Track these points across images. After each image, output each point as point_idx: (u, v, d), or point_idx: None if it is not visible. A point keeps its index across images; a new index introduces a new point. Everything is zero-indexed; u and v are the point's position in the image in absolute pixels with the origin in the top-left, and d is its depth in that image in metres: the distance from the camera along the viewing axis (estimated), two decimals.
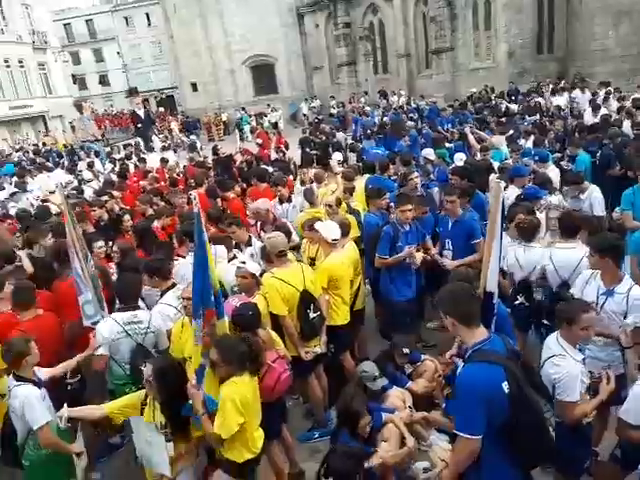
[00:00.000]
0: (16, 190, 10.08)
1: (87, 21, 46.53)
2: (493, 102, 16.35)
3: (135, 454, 3.42)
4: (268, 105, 28.59)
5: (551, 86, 17.97)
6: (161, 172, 12.25)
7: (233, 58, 30.81)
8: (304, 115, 27.17)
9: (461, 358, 3.86)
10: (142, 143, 19.79)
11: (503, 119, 13.13)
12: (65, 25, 45.73)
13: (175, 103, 46.78)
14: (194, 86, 33.00)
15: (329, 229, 4.64)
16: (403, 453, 3.69)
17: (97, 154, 16.58)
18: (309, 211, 6.46)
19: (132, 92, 29.01)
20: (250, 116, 27.42)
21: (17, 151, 22.41)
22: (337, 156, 9.15)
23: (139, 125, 24.95)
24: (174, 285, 4.37)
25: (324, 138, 15.16)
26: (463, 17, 23.56)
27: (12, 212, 8.25)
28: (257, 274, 4.28)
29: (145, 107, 29.41)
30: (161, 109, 38.09)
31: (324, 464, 3.68)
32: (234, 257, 5.02)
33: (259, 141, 15.93)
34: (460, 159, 8.41)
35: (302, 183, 8.37)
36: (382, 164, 7.72)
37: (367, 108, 21.40)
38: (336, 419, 4.09)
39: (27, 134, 31.24)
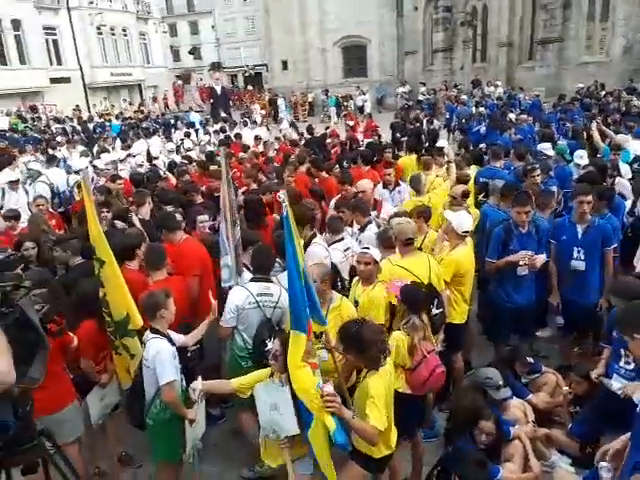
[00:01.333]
0: (128, 153, 10.45)
1: None
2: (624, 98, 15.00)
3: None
4: (357, 87, 28.15)
5: None
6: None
7: (325, 38, 30.54)
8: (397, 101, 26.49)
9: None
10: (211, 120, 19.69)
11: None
12: None
13: (262, 80, 47.38)
14: (284, 64, 33.09)
15: (462, 220, 4.31)
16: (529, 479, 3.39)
17: (192, 125, 16.97)
18: (414, 199, 6.17)
19: (214, 66, 29.42)
20: (338, 98, 27.17)
21: (119, 117, 23.46)
22: (443, 143, 8.73)
23: (212, 101, 25.35)
24: None
25: (417, 125, 14.69)
26: (578, 6, 21.87)
27: (122, 174, 8.53)
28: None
29: (221, 84, 29.96)
30: (249, 87, 38.77)
31: (438, 467, 3.47)
32: (341, 239, 4.85)
33: (350, 123, 15.70)
34: (580, 156, 7.75)
35: None
36: (495, 153, 7.25)
37: (464, 97, 20.48)
38: (450, 421, 3.86)
39: (131, 99, 32.72)
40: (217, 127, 15.00)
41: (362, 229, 5.07)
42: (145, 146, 12.29)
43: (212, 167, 7.75)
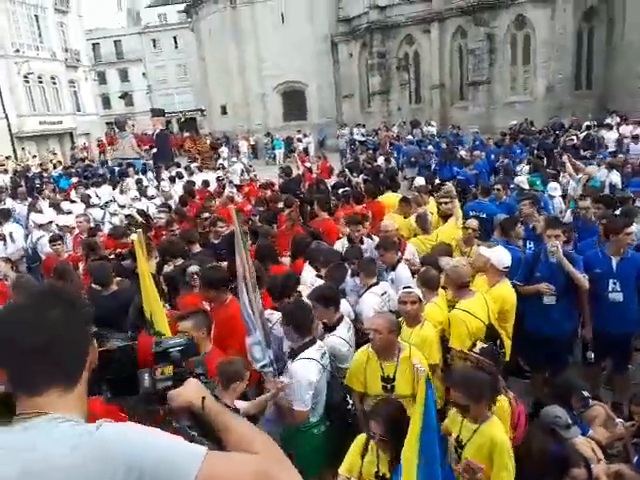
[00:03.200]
0: (109, 200, 9.82)
1: (115, 42, 47.30)
2: (581, 133, 16.09)
3: None
4: (298, 131, 28.59)
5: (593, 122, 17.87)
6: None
7: (264, 83, 30.99)
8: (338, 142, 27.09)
9: None
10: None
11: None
12: (94, 45, 46.41)
13: (197, 126, 47.21)
14: (223, 109, 33.17)
15: (501, 255, 4.27)
16: None
17: (143, 171, 16.35)
18: (421, 238, 6.13)
19: (156, 112, 28.86)
20: (282, 141, 27.42)
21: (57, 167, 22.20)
22: (420, 180, 8.88)
23: (154, 150, 24.71)
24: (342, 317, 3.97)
25: (375, 164, 14.96)
26: (502, 51, 23.72)
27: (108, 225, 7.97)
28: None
29: (163, 129, 29.48)
30: (186, 133, 38.39)
31: None
32: (376, 283, 4.66)
33: (308, 165, 15.74)
34: (555, 188, 8.14)
35: None
36: (484, 188, 7.44)
37: (409, 136, 21.30)
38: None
39: (54, 149, 31.25)
40: (172, 173, 14.50)
41: (393, 268, 4.93)
42: (109, 194, 11.64)
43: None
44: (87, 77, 36.29)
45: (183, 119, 47.22)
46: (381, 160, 15.29)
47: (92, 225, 7.86)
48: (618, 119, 17.74)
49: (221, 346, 3.61)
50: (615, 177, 9.37)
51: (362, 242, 5.77)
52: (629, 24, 20.53)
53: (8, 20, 28.08)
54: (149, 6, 47.76)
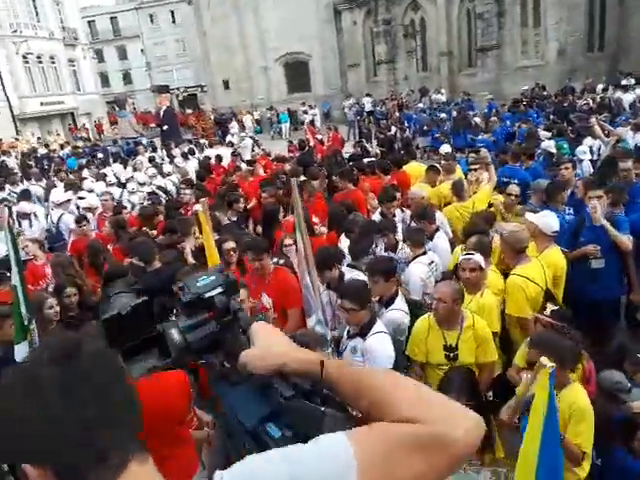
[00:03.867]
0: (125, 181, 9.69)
1: (111, 18, 46.34)
2: (598, 96, 15.76)
3: None
4: (303, 103, 28.17)
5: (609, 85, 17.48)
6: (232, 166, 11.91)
7: (267, 55, 30.41)
8: (345, 113, 26.68)
9: None
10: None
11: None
12: (90, 22, 45.46)
13: (198, 102, 46.53)
14: (226, 83, 32.63)
15: (549, 220, 4.15)
16: None
17: (153, 149, 16.14)
18: (456, 205, 6.00)
19: (160, 89, 28.34)
20: (290, 113, 27.05)
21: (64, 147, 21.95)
22: (446, 148, 8.69)
23: (164, 127, 24.38)
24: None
25: (389, 133, 14.74)
26: (511, 13, 23.07)
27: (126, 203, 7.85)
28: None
29: (169, 106, 29.06)
30: (188, 109, 37.83)
31: None
32: (424, 253, 4.55)
33: (319, 137, 15.51)
34: (584, 152, 7.96)
35: None
36: (515, 153, 7.26)
37: (420, 104, 20.93)
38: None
39: (56, 130, 30.95)
40: (185, 149, 14.29)
41: (430, 238, 4.82)
42: (123, 173, 11.51)
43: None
44: (86, 55, 35.74)
45: (181, 97, 46.44)
46: (394, 130, 15.00)
47: (115, 204, 7.74)
48: (633, 81, 17.30)
49: (280, 312, 3.61)
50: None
51: (393, 215, 5.62)
52: None
53: (4, 0, 27.46)
54: None
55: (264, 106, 30.26)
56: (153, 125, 27.26)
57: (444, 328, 3.39)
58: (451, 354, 3.35)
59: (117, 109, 27.82)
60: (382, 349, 3.15)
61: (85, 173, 11.83)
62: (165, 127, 24.86)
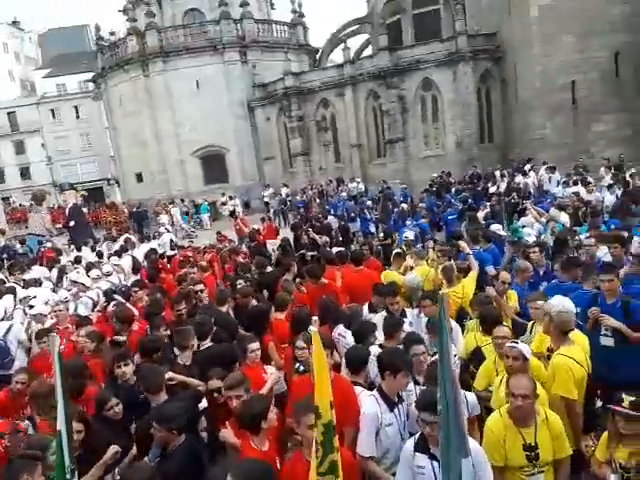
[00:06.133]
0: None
1: (9, 113, 44.55)
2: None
3: None
4: (223, 194, 28.38)
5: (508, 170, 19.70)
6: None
7: (182, 149, 30.59)
8: (265, 203, 27.21)
9: None
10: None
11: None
12: None
13: (104, 195, 45.11)
14: (139, 177, 32.09)
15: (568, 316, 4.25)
16: None
17: (78, 249, 15.09)
18: (448, 291, 6.20)
19: (67, 187, 27.28)
20: (209, 204, 26.99)
21: None
22: (410, 235, 9.10)
23: (71, 223, 23.22)
24: None
25: (325, 222, 15.14)
26: (413, 110, 25.67)
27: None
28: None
29: (75, 203, 27.90)
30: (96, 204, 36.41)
31: None
32: None
33: (255, 227, 15.47)
34: (529, 234, 8.73)
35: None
36: (474, 236, 7.77)
37: (343, 194, 21.97)
38: None
39: None
40: (116, 247, 13.54)
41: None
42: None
43: None
44: None
45: (83, 190, 44.87)
46: (331, 218, 15.46)
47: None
48: (529, 166, 19.56)
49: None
50: (565, 217, 10.18)
51: (403, 314, 5.59)
52: (520, 84, 23.24)
53: None
54: (47, 76, 45.91)
55: (181, 197, 30.00)
56: (60, 224, 25.81)
57: (521, 426, 3.33)
58: (532, 453, 3.28)
59: (32, 204, 26.10)
60: None
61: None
62: (72, 223, 23.70)
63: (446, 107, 25.19)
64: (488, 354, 4.57)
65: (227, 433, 3.74)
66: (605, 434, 3.34)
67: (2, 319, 6.91)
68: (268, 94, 30.02)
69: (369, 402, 3.56)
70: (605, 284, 4.82)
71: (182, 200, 28.48)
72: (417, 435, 3.19)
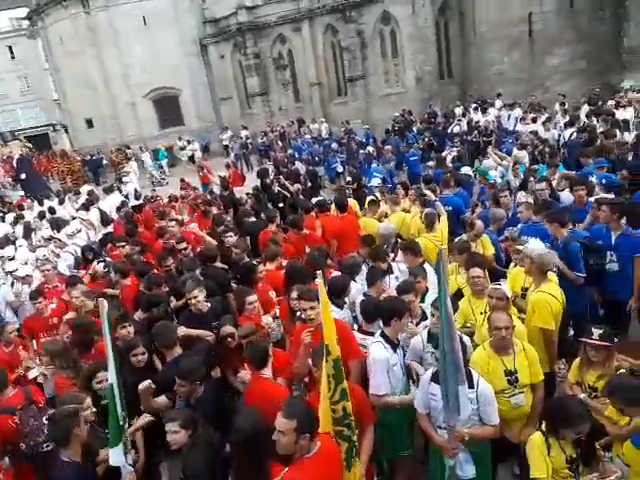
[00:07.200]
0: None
1: None
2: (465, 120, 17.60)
3: None
4: (179, 138, 27.58)
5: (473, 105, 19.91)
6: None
7: (133, 91, 29.17)
8: (225, 146, 26.66)
9: None
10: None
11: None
12: None
13: (50, 142, 42.78)
14: (89, 122, 30.58)
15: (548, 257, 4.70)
16: None
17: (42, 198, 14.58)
18: (426, 235, 6.59)
19: (8, 138, 25.75)
20: (167, 150, 26.25)
21: None
22: (376, 181, 9.35)
23: (22, 176, 22.21)
24: None
25: (293, 167, 15.15)
26: (373, 46, 25.22)
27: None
28: None
29: (21, 153, 26.51)
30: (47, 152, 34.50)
31: None
32: None
33: (221, 174, 15.33)
34: (494, 176, 9.15)
35: None
36: (446, 182, 8.14)
37: (307, 136, 21.77)
38: None
39: None
40: (81, 200, 13.22)
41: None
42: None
43: None
44: None
45: (27, 142, 42.36)
46: (298, 164, 15.47)
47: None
48: (500, 102, 19.70)
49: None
50: (525, 157, 10.61)
51: (390, 269, 5.78)
52: (477, 17, 23.07)
53: None
54: None
55: (135, 143, 28.96)
56: (9, 176, 24.55)
57: (502, 355, 3.84)
58: (512, 377, 3.81)
59: None
60: None
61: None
62: (23, 176, 22.74)
63: (405, 42, 24.81)
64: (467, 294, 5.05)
65: (244, 373, 4.11)
66: (577, 360, 3.90)
67: None
68: (221, 30, 28.65)
69: (377, 348, 3.96)
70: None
71: (141, 148, 27.48)
72: (434, 369, 3.65)
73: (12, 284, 7.20)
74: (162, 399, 4.06)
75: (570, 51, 21.44)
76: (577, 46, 21.20)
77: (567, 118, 13.00)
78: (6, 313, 6.79)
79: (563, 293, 4.45)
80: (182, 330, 4.72)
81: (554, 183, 7.46)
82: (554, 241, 5.40)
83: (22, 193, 19.62)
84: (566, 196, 6.97)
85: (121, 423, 3.15)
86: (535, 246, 4.52)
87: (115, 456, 3.13)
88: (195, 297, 5.13)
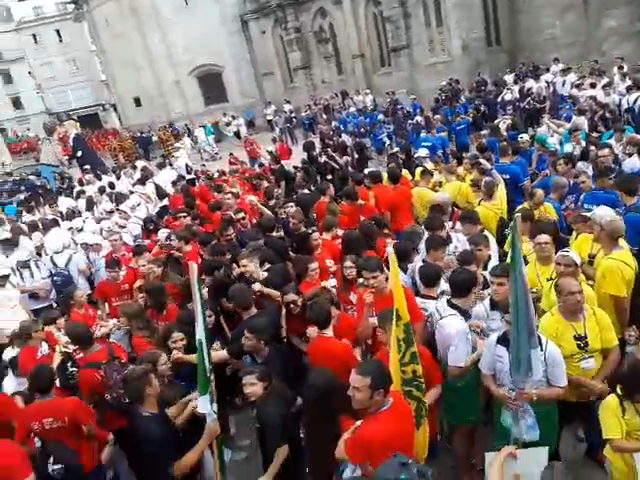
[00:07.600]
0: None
1: None
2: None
3: None
4: (224, 114, 27.87)
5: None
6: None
7: (178, 70, 29.66)
8: (269, 121, 26.78)
9: None
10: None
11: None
12: None
13: (100, 121, 44.13)
14: (137, 101, 31.34)
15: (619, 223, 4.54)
16: None
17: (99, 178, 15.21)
18: (486, 204, 6.53)
19: (64, 117, 26.65)
20: (213, 126, 26.60)
21: None
22: (423, 152, 9.28)
23: (78, 154, 23.00)
24: None
25: (341, 139, 15.11)
26: (416, 15, 24.53)
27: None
28: None
29: (77, 132, 27.37)
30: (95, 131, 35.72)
31: None
32: None
33: (270, 149, 15.47)
34: (554, 143, 8.89)
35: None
36: (504, 150, 7.97)
37: (352, 109, 21.61)
38: None
39: None
40: (138, 175, 13.71)
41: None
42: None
43: None
44: None
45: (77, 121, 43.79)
46: (344, 136, 15.43)
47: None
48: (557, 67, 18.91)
49: None
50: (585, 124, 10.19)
51: (449, 238, 5.69)
52: None
53: None
54: None
55: (182, 120, 29.53)
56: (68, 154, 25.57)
57: (571, 320, 3.83)
58: (582, 342, 3.80)
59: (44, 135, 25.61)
60: None
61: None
62: (79, 153, 23.57)
63: (449, 9, 23.91)
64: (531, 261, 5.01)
65: (312, 330, 4.30)
66: None
67: (62, 250, 7.32)
68: (261, 6, 28.52)
69: (455, 320, 4.03)
70: None
71: (187, 125, 27.91)
72: (500, 332, 3.70)
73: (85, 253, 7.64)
74: (222, 352, 4.36)
75: (629, 12, 20.24)
76: (634, 7, 19.98)
77: (627, 82, 12.38)
78: (79, 280, 7.23)
79: (635, 260, 4.37)
80: (258, 286, 4.95)
81: (620, 148, 7.19)
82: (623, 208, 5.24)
83: (80, 170, 20.35)
84: (632, 162, 6.72)
85: (208, 375, 3.42)
86: (603, 212, 4.44)
87: (203, 404, 3.41)
88: (244, 266, 5.33)
